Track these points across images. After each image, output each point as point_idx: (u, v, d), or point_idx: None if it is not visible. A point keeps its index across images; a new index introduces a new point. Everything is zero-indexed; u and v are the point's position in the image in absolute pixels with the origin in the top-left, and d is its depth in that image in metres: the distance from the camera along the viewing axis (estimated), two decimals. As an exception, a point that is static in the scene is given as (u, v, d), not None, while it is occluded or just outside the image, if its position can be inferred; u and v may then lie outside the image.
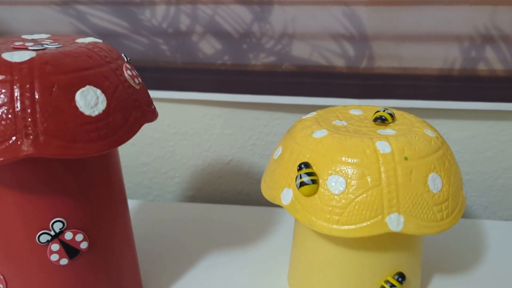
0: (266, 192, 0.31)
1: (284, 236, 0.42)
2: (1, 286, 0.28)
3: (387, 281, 0.29)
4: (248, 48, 0.44)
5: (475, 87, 0.42)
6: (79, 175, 0.26)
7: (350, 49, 0.43)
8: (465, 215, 0.49)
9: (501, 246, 0.40)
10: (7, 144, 0.22)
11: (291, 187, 0.28)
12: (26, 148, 0.22)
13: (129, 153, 0.52)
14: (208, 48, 0.45)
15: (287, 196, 0.29)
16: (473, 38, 0.40)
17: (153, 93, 0.47)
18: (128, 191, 0.53)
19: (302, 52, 0.44)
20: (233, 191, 0.52)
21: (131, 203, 0.47)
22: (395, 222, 0.26)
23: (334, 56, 0.43)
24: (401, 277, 0.29)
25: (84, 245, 0.27)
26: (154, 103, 0.48)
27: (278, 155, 0.31)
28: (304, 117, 0.32)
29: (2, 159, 0.22)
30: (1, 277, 0.28)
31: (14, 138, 0.22)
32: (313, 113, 0.33)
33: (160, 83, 0.47)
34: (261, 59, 0.45)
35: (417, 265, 0.31)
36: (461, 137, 0.46)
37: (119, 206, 0.29)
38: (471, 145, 0.46)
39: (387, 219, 0.26)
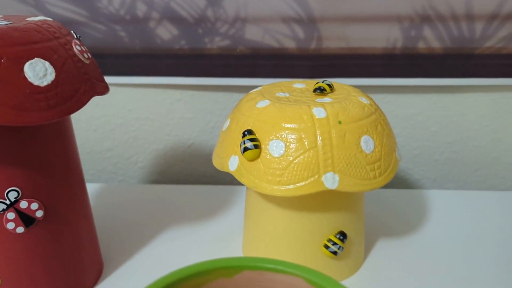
0: (216, 161, 0.33)
1: (243, 212, 0.43)
2: (-40, 257, 0.29)
3: (329, 240, 0.32)
4: (203, 33, 0.46)
5: (416, 64, 0.45)
6: (32, 144, 0.27)
7: (300, 31, 0.45)
8: (414, 188, 0.52)
9: (444, 212, 0.43)
10: (-42, 112, 0.23)
11: (237, 154, 0.30)
12: (-23, 115, 0.23)
13: (91, 139, 0.53)
14: (165, 33, 0.47)
15: (233, 162, 0.31)
16: (412, 18, 0.43)
17: (113, 79, 0.49)
18: (91, 177, 0.54)
19: (255, 35, 0.46)
20: (196, 173, 0.54)
21: (94, 187, 0.48)
22: (330, 181, 0.28)
23: (285, 38, 0.45)
24: (342, 235, 0.32)
25: (39, 214, 0.29)
26: (115, 88, 0.49)
27: (226, 127, 0.33)
28: (251, 91, 0.34)
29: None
30: (-40, 248, 0.29)
31: (-36, 107, 0.23)
32: (259, 88, 0.35)
33: (120, 69, 0.48)
34: (216, 43, 0.46)
35: (359, 225, 0.34)
36: (407, 114, 0.49)
37: (75, 177, 0.31)
38: (417, 121, 0.49)
39: (323, 178, 0.28)
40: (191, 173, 0.54)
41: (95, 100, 0.51)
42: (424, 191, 0.46)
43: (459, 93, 0.47)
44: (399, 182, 0.52)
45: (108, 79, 0.49)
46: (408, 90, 0.48)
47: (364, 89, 0.46)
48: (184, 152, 0.53)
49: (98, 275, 0.34)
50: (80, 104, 0.27)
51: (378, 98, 0.48)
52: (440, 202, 0.44)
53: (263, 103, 0.31)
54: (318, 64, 0.46)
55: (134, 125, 0.52)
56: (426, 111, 0.49)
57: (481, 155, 0.50)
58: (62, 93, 0.26)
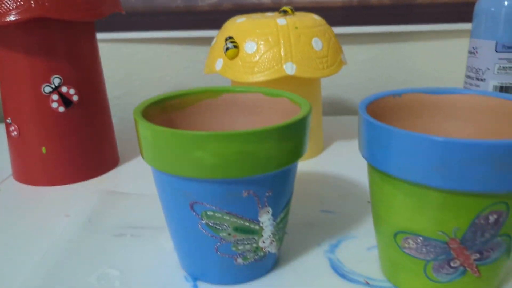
0: (207, 69, 0.43)
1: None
2: (16, 133, 0.39)
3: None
4: (195, -8, 0.57)
5: (370, 14, 0.56)
6: (73, 41, 0.37)
7: (274, -12, 0.56)
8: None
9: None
10: (24, 7, 0.33)
11: (221, 57, 0.41)
12: (38, 10, 0.34)
13: (103, 89, 0.63)
14: (164, -6, 0.57)
15: (219, 64, 0.41)
16: (363, -26, 0.54)
17: (120, 35, 0.59)
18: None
19: (238, -7, 0.56)
20: (191, 117, 0.64)
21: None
22: (289, 68, 0.38)
23: (262, -6, 0.56)
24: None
25: (75, 98, 0.39)
26: (122, 44, 0.60)
27: (213, 43, 0.43)
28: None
29: (20, 17, 0.33)
30: (16, 126, 0.39)
31: (28, 3, 0.34)
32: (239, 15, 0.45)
33: (127, 26, 0.59)
34: (206, 1, 0.57)
35: (317, 113, 0.44)
36: (365, 58, 0.60)
37: (100, 75, 0.41)
38: (372, 65, 0.60)
39: (284, 66, 0.38)
40: (187, 115, 0.64)
41: (105, 54, 0.61)
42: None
43: (406, 38, 0.58)
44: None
45: (117, 35, 0.60)
46: (365, 39, 0.58)
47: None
48: (181, 97, 0.63)
49: (116, 162, 0.44)
50: (108, 11, 0.37)
51: (340, 45, 0.58)
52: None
53: (240, 20, 0.41)
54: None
55: (139, 75, 0.62)
56: (380, 55, 0.59)
57: (427, 92, 0.60)
58: (95, 2, 0.36)
